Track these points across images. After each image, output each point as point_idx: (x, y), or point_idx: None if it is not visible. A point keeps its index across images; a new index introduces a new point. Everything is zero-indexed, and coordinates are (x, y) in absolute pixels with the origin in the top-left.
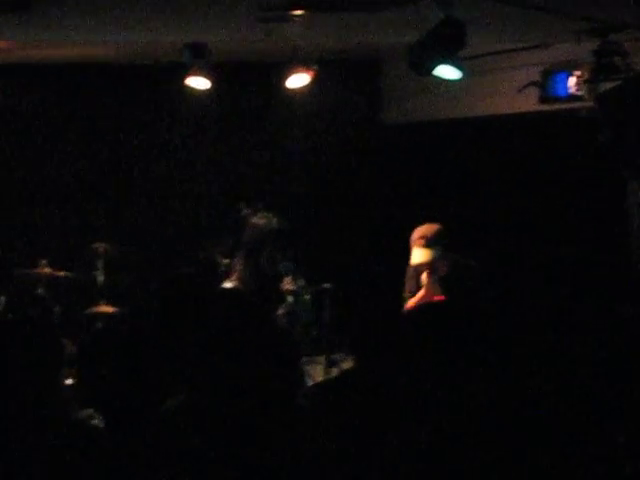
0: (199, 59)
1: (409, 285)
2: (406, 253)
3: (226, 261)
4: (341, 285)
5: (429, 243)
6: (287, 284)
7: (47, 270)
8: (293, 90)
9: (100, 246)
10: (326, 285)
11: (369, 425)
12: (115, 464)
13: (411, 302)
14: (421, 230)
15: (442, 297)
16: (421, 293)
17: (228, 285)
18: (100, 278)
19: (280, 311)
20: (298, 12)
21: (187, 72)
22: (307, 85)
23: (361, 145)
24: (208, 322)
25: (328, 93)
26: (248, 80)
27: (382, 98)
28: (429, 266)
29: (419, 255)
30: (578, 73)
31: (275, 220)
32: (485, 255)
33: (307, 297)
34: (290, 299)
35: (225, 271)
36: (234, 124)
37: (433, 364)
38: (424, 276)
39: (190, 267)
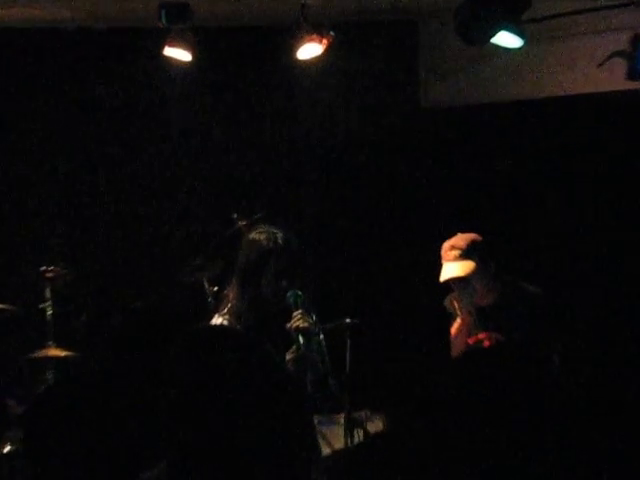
0: (179, 23)
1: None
2: None
3: (215, 289)
4: (367, 321)
5: (460, 255)
6: (296, 320)
7: None
8: (302, 63)
9: (49, 270)
10: (347, 320)
11: None
12: None
13: (453, 329)
14: (452, 240)
15: (485, 333)
16: (457, 323)
17: (217, 321)
18: (49, 312)
19: (287, 356)
20: None
21: (164, 40)
22: (320, 57)
23: (392, 136)
24: (189, 371)
25: (347, 68)
26: (244, 51)
27: (419, 74)
28: (463, 285)
29: (448, 270)
30: None
31: (280, 235)
32: (555, 278)
33: (322, 337)
34: (300, 339)
35: (214, 303)
36: (226, 107)
37: (482, 428)
38: (455, 301)
39: (166, 298)
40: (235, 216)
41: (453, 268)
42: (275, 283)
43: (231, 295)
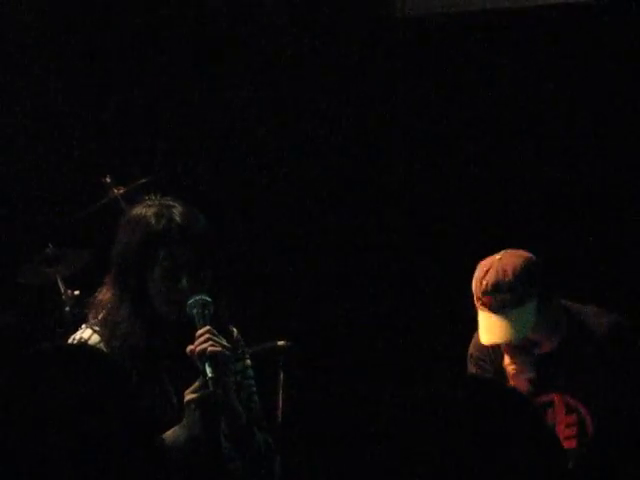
0: None
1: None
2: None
3: (76, 294)
4: (310, 344)
5: (512, 299)
6: (202, 342)
7: None
8: None
9: None
10: (280, 343)
11: None
12: None
13: None
14: (491, 272)
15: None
16: None
17: (84, 334)
18: None
19: (187, 396)
20: None
21: None
22: None
23: (362, 58)
24: (29, 414)
25: None
26: None
27: None
28: (518, 350)
29: (495, 328)
30: None
31: (178, 211)
32: None
33: (248, 363)
34: (208, 371)
35: (74, 312)
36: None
37: None
38: (507, 365)
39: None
40: (108, 180)
41: (502, 325)
42: (168, 283)
43: (102, 301)
